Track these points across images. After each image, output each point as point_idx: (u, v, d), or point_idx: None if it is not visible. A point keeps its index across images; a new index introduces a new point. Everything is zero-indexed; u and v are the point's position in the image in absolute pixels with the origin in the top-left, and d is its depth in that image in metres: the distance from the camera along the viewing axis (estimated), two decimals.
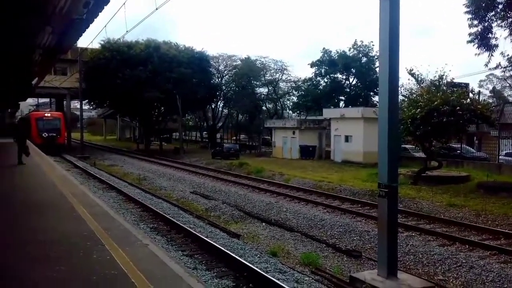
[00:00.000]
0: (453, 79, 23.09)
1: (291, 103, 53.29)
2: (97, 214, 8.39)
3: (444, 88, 20.74)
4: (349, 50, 45.36)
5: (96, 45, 44.83)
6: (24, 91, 23.49)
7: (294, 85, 51.57)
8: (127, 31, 20.64)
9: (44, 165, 18.16)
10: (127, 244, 6.30)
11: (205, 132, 63.37)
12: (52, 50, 10.09)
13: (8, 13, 7.06)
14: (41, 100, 72.47)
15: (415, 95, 21.01)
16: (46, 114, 42.24)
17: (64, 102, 52.00)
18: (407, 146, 29.90)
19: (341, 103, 46.67)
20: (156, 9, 11.27)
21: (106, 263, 5.45)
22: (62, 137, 41.03)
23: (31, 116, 42.17)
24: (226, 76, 54.73)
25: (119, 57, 42.62)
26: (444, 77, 21.13)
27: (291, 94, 53.00)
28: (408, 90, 21.71)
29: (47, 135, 38.77)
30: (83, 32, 8.80)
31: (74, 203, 9.59)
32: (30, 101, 65.03)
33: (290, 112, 55.80)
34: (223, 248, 10.21)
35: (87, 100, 49.62)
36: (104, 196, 17.42)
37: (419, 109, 19.44)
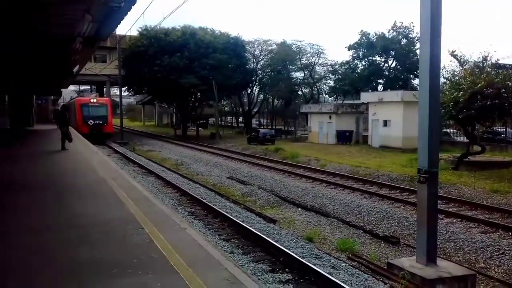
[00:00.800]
0: (498, 60, 22.02)
1: (328, 88, 52.53)
2: (137, 198, 8.61)
3: (489, 69, 19.89)
4: (388, 32, 44.10)
5: (134, 32, 45.78)
6: (66, 79, 24.24)
7: (330, 69, 50.72)
8: (164, 18, 20.86)
9: (85, 150, 18.78)
10: (166, 228, 6.44)
11: (241, 118, 63.63)
12: (92, 38, 10.33)
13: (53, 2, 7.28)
14: (82, 87, 74.69)
15: (457, 78, 20.28)
16: (92, 100, 39.10)
17: (104, 89, 53.35)
18: (448, 130, 29.07)
19: (380, 87, 45.63)
20: None
21: (146, 246, 5.60)
22: (109, 125, 37.49)
23: (76, 102, 39.19)
24: (262, 61, 54.52)
25: (157, 44, 43.17)
26: (488, 58, 20.25)
27: (327, 78, 52.24)
28: (450, 72, 20.92)
29: (93, 122, 35.82)
30: (122, 20, 8.94)
31: (114, 187, 9.88)
32: (72, 88, 67.09)
33: (327, 96, 55.07)
34: (259, 233, 10.28)
35: (126, 87, 50.73)
36: (143, 180, 17.86)
37: (461, 92, 18.76)
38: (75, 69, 19.44)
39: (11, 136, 26.05)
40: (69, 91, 69.84)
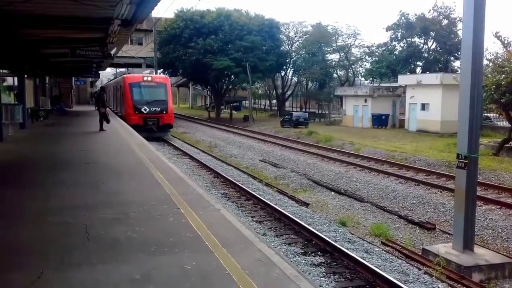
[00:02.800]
0: None
1: (364, 70, 51.52)
2: (172, 179, 8.78)
3: None
4: (428, 12, 42.66)
5: (169, 15, 45.98)
6: (104, 61, 24.75)
7: (367, 50, 49.62)
8: (199, 0, 20.78)
9: (123, 132, 19.21)
10: (200, 209, 6.55)
11: (274, 101, 63.43)
12: (130, 20, 10.46)
13: None
14: (119, 70, 76.02)
15: (500, 60, 19.48)
16: (145, 78, 27.39)
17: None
18: (489, 114, 28.13)
19: (418, 69, 44.40)
20: None
21: (182, 226, 5.72)
22: (169, 113, 26.64)
23: (123, 81, 27.93)
24: (296, 43, 53.93)
25: (192, 26, 43.37)
26: None
27: (364, 60, 51.15)
28: (493, 54, 20.08)
29: (148, 110, 25.61)
30: (159, 1, 9.00)
31: (151, 168, 10.09)
32: (109, 70, 68.43)
33: (362, 79, 54.05)
34: (292, 216, 10.31)
35: (161, 69, 51.30)
36: (178, 162, 18.16)
37: (504, 75, 18.07)
38: (112, 52, 19.80)
39: (52, 116, 26.98)
40: (107, 73, 71.29)
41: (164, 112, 26.08)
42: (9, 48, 14.59)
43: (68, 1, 8.64)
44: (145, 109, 25.56)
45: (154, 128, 25.36)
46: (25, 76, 21.59)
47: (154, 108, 25.78)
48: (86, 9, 9.56)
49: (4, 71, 22.37)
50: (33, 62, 20.17)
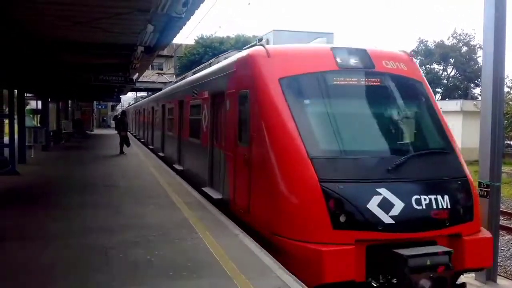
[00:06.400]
0: None
1: None
2: (190, 203, 8.81)
3: None
4: (448, 39, 42.77)
5: (189, 41, 47.00)
6: (126, 86, 25.26)
7: None
8: (219, 27, 21.31)
9: (142, 155, 19.40)
10: (218, 233, 6.54)
11: None
12: (153, 47, 10.75)
13: (120, 12, 7.71)
14: (139, 94, 77.19)
15: None
16: (342, 59, 6.68)
17: None
18: (510, 142, 27.70)
19: (438, 96, 44.18)
20: (249, 4, 11.49)
21: (200, 250, 5.72)
22: (476, 220, 6.28)
23: (250, 75, 6.91)
24: None
25: (211, 52, 44.20)
26: None
27: None
28: None
29: (402, 212, 5.38)
30: (180, 30, 9.24)
31: (169, 191, 10.16)
32: (130, 94, 69.64)
33: None
34: None
35: None
36: None
37: None
38: (134, 77, 20.22)
39: (73, 139, 27.51)
40: (127, 97, 72.53)
41: (468, 218, 6.17)
42: (39, 72, 15.06)
43: (99, 29, 8.95)
44: (386, 210, 5.45)
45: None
46: (49, 99, 22.17)
47: (425, 200, 5.72)
48: (113, 36, 9.87)
49: (28, 94, 23.02)
50: (58, 86, 20.71)
